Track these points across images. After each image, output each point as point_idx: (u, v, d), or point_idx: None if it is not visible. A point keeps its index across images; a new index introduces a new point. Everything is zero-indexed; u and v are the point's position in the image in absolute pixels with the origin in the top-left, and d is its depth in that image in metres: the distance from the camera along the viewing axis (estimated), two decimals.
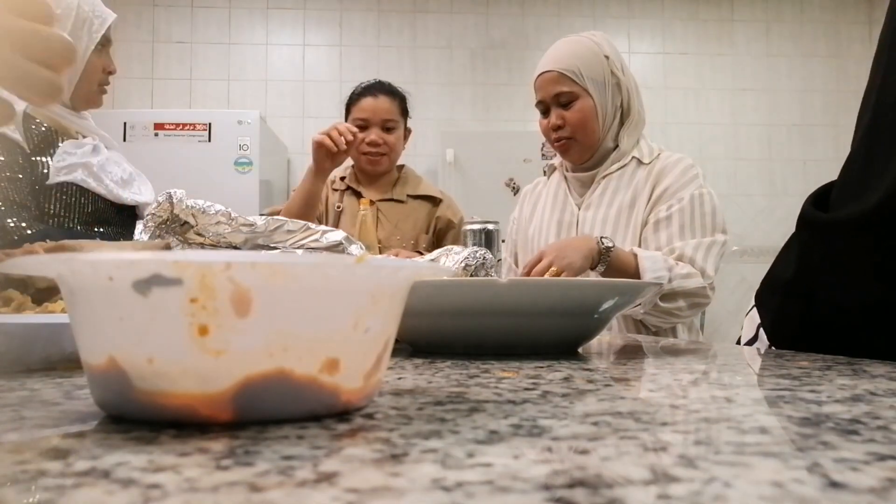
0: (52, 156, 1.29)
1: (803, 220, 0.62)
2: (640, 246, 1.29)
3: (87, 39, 1.33)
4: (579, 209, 1.38)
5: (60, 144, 1.30)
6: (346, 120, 1.76)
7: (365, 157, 1.71)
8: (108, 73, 1.39)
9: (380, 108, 1.72)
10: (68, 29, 1.29)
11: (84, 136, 1.37)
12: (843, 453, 0.19)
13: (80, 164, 1.29)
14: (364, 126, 1.71)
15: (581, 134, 1.35)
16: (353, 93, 1.77)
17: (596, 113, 1.34)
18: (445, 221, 1.76)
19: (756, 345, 0.68)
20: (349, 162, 1.80)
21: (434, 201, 1.77)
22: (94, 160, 1.32)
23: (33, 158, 1.28)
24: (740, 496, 0.15)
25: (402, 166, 1.84)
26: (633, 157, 1.36)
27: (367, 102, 1.72)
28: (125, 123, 3.00)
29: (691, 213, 1.27)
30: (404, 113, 1.78)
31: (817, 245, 0.60)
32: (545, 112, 1.39)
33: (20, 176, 1.26)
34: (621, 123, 1.38)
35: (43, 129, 1.30)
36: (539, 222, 1.44)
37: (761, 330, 0.68)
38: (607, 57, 1.34)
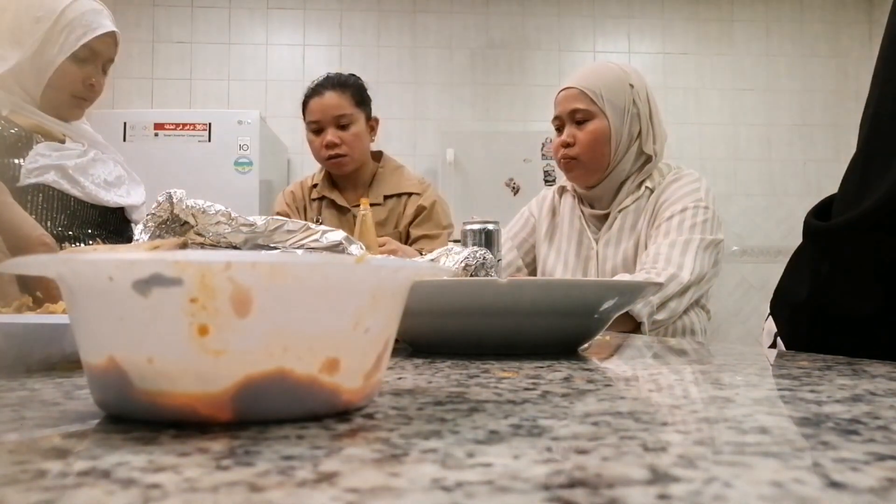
0: (25, 158, 1.18)
1: (805, 230, 0.63)
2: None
3: (63, 44, 1.21)
4: (597, 244, 1.35)
5: (35, 146, 1.20)
6: (305, 121, 1.66)
7: (329, 163, 1.62)
8: (89, 85, 1.25)
9: (327, 105, 1.60)
10: (45, 28, 1.19)
11: (73, 140, 1.27)
12: (843, 453, 0.19)
13: (54, 166, 1.19)
14: (319, 129, 1.61)
15: (588, 155, 1.31)
16: (304, 95, 1.66)
17: (609, 137, 1.30)
18: (416, 207, 1.65)
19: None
20: (318, 166, 1.70)
21: (412, 196, 1.67)
22: (71, 162, 1.22)
23: (4, 160, 1.16)
24: (740, 496, 0.15)
25: (380, 155, 1.72)
26: (646, 188, 1.32)
27: (315, 103, 1.62)
28: (125, 123, 3.00)
29: (680, 221, 1.23)
30: (360, 103, 1.65)
31: (823, 257, 0.60)
32: (559, 129, 1.36)
33: None
34: (639, 159, 1.33)
35: (13, 130, 1.19)
36: (556, 254, 1.41)
37: (779, 339, 0.68)
38: (632, 86, 1.31)
